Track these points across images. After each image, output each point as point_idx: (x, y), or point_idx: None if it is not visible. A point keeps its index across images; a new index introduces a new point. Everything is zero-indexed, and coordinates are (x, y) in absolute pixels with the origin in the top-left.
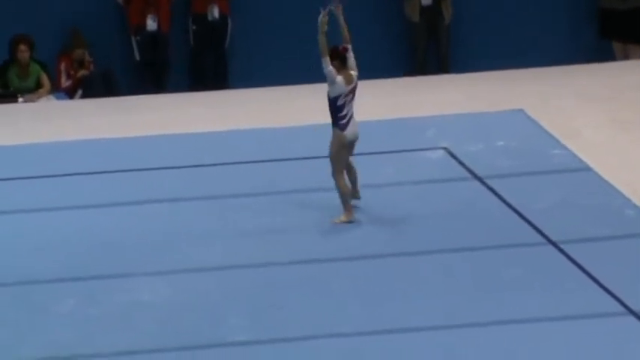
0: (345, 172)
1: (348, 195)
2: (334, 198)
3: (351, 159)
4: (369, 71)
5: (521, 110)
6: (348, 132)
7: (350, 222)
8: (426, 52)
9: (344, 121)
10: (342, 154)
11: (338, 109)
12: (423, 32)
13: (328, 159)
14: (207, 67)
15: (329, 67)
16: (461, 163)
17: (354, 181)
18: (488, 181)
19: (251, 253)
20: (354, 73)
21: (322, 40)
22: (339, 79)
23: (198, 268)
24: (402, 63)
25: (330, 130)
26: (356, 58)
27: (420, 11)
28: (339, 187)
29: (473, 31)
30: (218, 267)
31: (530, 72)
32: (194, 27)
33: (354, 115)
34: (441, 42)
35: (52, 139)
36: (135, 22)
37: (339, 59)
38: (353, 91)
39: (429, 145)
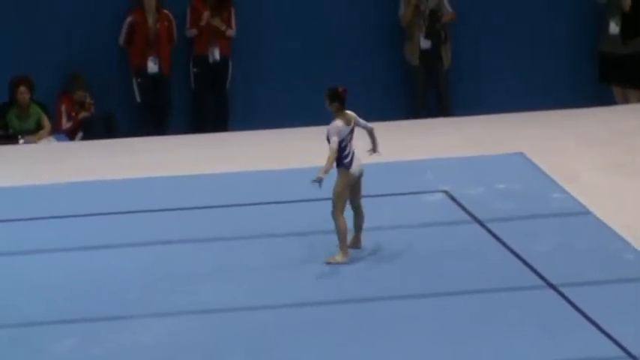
0: (344, 213)
1: (346, 235)
2: (334, 240)
3: (362, 203)
4: (369, 114)
5: (521, 154)
6: (354, 168)
7: (345, 263)
8: (425, 95)
9: (348, 159)
10: (345, 194)
11: (341, 150)
12: (422, 76)
13: (331, 198)
14: (208, 109)
15: (334, 138)
16: (461, 207)
17: (359, 227)
18: (489, 225)
19: (250, 295)
20: (350, 112)
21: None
22: (340, 124)
23: (196, 310)
24: (402, 106)
25: (333, 172)
26: (357, 104)
27: (419, 55)
28: (339, 227)
29: (473, 75)
30: (216, 309)
31: (530, 115)
32: (195, 69)
33: (355, 152)
34: (440, 85)
35: (53, 181)
36: (136, 64)
37: (339, 101)
38: (352, 130)
39: (429, 188)
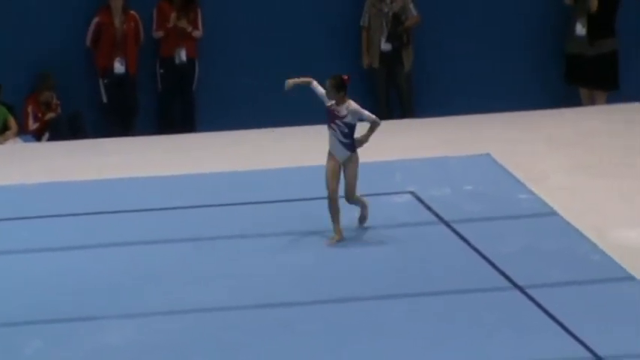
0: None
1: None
2: (301, 242)
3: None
4: None
5: (487, 155)
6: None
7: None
8: (387, 97)
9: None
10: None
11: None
12: (382, 78)
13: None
14: (175, 110)
15: (367, 113)
16: (427, 208)
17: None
18: (455, 226)
19: (221, 295)
20: None
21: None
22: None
23: (167, 311)
24: (366, 108)
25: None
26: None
27: (379, 57)
28: (365, 204)
29: (438, 77)
30: (187, 309)
31: (497, 117)
32: (161, 70)
33: None
34: (401, 89)
35: (20, 182)
36: (102, 65)
37: (344, 90)
38: None
39: (395, 190)
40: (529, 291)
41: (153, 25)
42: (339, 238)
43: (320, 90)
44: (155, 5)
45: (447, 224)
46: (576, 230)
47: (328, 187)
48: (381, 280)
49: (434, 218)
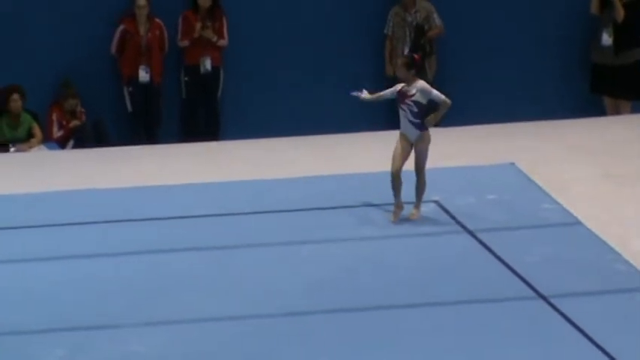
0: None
1: None
2: (321, 250)
3: None
4: (358, 124)
5: (512, 164)
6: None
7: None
8: None
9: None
10: None
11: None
12: None
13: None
14: (199, 118)
15: (436, 92)
16: (452, 217)
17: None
18: (479, 235)
19: (242, 304)
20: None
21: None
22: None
23: (188, 319)
24: (391, 117)
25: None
26: (345, 112)
27: None
28: (425, 182)
29: (462, 86)
30: (208, 318)
31: (522, 126)
32: (186, 78)
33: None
34: None
35: (44, 189)
36: (127, 73)
37: (416, 69)
38: None
39: None
40: (553, 300)
41: (178, 33)
42: (401, 210)
43: (385, 93)
44: (180, 14)
45: (471, 233)
46: (600, 240)
47: (393, 165)
48: (404, 289)
49: (458, 227)
